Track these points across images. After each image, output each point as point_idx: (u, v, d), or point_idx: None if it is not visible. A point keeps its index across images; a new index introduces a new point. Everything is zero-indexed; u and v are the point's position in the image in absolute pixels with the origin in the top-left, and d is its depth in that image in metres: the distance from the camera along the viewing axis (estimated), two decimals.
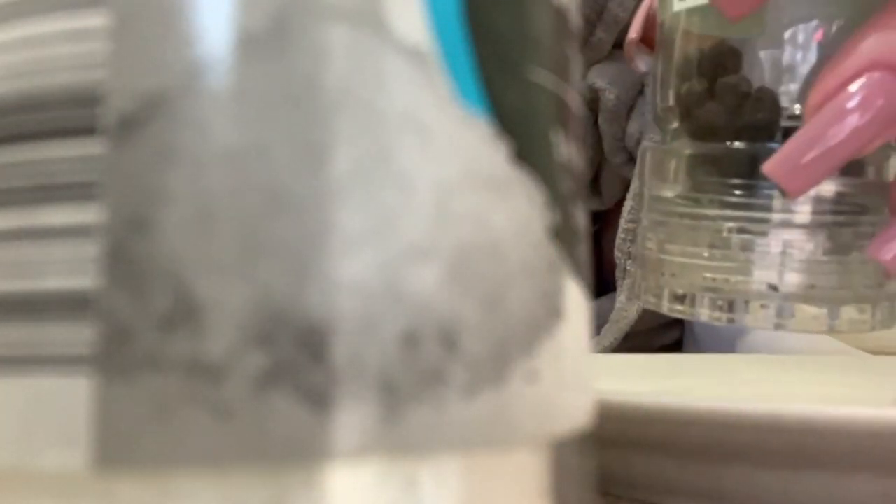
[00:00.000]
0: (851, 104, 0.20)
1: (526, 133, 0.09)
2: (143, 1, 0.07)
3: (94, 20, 0.07)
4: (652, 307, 0.25)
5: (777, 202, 0.22)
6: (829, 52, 0.21)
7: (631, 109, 0.54)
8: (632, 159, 0.50)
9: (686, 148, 0.24)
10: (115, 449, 0.07)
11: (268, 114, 0.07)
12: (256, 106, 0.07)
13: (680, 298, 0.24)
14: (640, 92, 0.54)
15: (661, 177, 0.25)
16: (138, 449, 0.07)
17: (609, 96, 0.52)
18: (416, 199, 0.08)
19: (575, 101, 0.10)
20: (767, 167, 0.21)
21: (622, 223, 0.46)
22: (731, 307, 0.23)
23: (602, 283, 0.51)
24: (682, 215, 0.24)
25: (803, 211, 0.22)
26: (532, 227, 0.09)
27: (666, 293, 0.25)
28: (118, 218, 0.07)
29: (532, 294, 0.09)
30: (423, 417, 0.08)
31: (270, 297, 0.07)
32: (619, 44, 0.52)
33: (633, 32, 0.41)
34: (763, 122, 0.23)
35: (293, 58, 0.08)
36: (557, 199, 0.09)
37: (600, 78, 0.51)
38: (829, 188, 0.22)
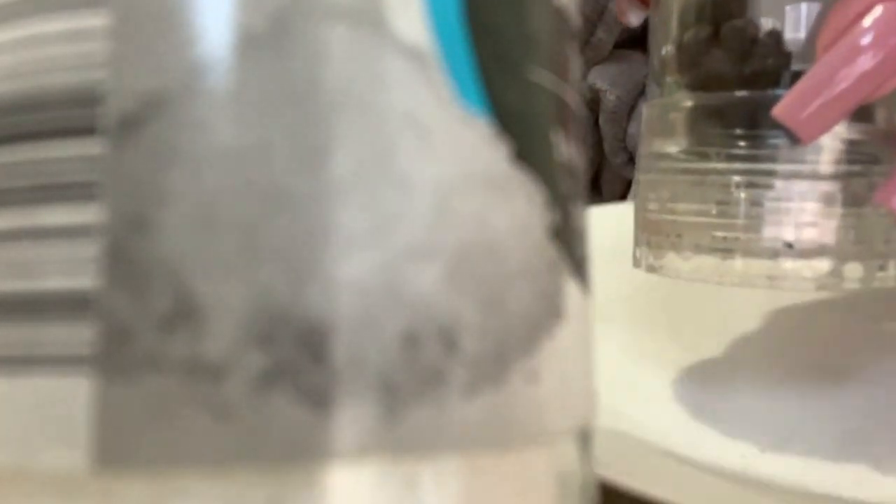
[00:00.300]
0: (864, 42, 0.18)
1: (526, 133, 0.09)
2: (143, 1, 0.07)
3: (94, 20, 0.07)
4: (655, 272, 0.24)
5: (787, 152, 0.21)
6: None
7: (632, 110, 0.54)
8: (632, 160, 0.50)
9: (688, 100, 0.23)
10: (115, 449, 0.07)
11: (268, 114, 0.07)
12: (256, 106, 0.07)
13: (687, 261, 0.23)
14: (641, 93, 0.54)
15: (663, 133, 0.24)
16: (138, 449, 0.07)
17: (610, 97, 0.52)
18: (416, 199, 0.08)
19: (575, 101, 0.10)
20: (778, 111, 0.20)
21: None
22: (742, 268, 0.22)
23: None
24: (686, 171, 0.23)
25: (816, 161, 0.21)
26: (532, 227, 0.09)
27: (670, 256, 0.23)
28: (118, 218, 0.07)
29: (532, 294, 0.09)
30: (424, 417, 0.08)
31: (270, 297, 0.07)
32: (619, 44, 0.52)
33: None
34: (772, 68, 0.21)
35: (293, 58, 0.08)
36: (557, 199, 0.09)
37: (601, 78, 0.51)
38: (840, 136, 0.21)
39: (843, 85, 0.19)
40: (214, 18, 0.07)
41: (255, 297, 0.07)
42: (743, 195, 0.22)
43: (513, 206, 0.09)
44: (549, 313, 0.09)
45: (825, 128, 0.20)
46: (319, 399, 0.07)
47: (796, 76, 0.21)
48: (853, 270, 0.21)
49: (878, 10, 0.19)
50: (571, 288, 0.09)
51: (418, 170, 0.08)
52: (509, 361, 0.08)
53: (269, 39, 0.07)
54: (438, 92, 0.08)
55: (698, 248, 0.22)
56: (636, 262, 0.25)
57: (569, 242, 0.09)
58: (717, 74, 0.22)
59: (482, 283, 0.08)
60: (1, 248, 0.08)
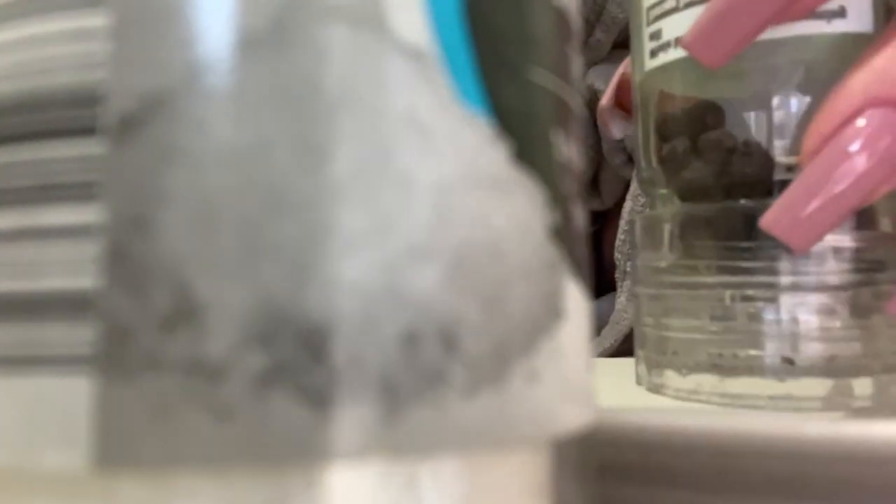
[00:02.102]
0: (854, 146, 0.18)
1: (526, 133, 0.09)
2: (143, 1, 0.07)
3: (94, 20, 0.07)
4: (656, 392, 0.22)
5: (783, 264, 0.20)
6: (820, 98, 0.19)
7: None
8: (631, 160, 0.50)
9: (675, 212, 0.22)
10: (115, 449, 0.07)
11: (268, 114, 0.07)
12: (256, 106, 0.07)
13: (685, 379, 0.21)
14: None
15: (653, 245, 0.22)
16: (138, 449, 0.07)
17: None
18: (416, 199, 0.08)
19: (575, 101, 0.10)
20: (765, 221, 0.19)
21: (622, 223, 0.46)
22: (743, 387, 0.20)
23: (602, 284, 0.51)
24: (678, 286, 0.21)
25: (814, 272, 0.20)
26: (532, 227, 0.09)
27: (669, 374, 0.22)
28: (118, 218, 0.07)
29: (532, 294, 0.09)
30: (424, 417, 0.08)
31: (271, 297, 0.07)
32: (617, 45, 0.52)
33: (605, 99, 0.40)
34: (754, 177, 0.21)
35: (293, 58, 0.08)
36: (557, 199, 0.09)
37: (599, 79, 0.51)
38: (840, 244, 0.20)
39: (834, 191, 0.18)
40: (214, 18, 0.07)
41: (256, 297, 0.07)
42: (738, 309, 0.20)
43: (513, 206, 0.09)
44: (549, 313, 0.09)
45: (818, 236, 0.19)
46: (319, 399, 0.07)
47: (782, 184, 0.20)
48: (863, 387, 0.20)
49: (863, 117, 0.18)
50: (571, 288, 0.09)
51: (418, 170, 0.08)
52: (509, 361, 0.08)
53: (269, 39, 0.07)
54: (438, 92, 0.08)
55: (697, 367, 0.21)
56: (638, 380, 0.23)
57: (569, 242, 0.09)
58: (700, 186, 0.22)
59: (482, 283, 0.08)
60: (1, 248, 0.08)
